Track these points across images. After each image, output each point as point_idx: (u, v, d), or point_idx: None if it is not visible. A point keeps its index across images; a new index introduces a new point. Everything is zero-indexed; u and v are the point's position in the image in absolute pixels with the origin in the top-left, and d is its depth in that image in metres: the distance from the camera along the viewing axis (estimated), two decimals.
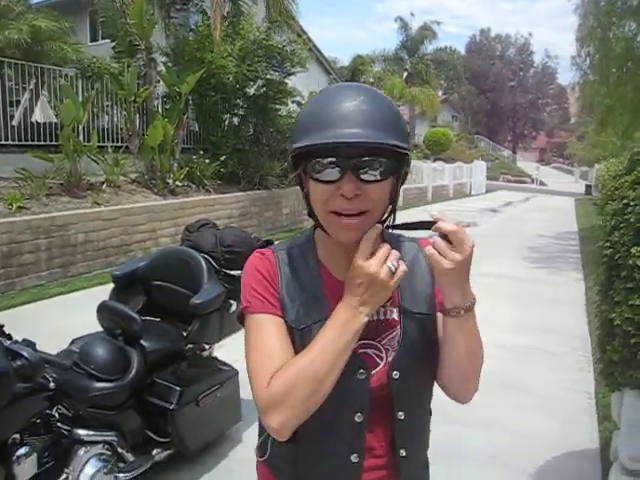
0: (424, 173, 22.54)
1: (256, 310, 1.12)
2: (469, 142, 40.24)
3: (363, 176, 1.02)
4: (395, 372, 1.12)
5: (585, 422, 3.86)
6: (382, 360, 1.12)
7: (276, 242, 1.26)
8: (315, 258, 1.18)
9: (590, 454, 3.44)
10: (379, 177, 1.03)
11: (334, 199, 1.04)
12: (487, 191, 29.63)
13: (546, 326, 6.03)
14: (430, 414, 1.25)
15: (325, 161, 1.02)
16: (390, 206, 1.12)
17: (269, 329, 1.11)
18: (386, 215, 1.12)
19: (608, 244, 2.31)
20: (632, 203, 2.19)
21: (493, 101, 56.26)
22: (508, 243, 11.91)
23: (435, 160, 26.64)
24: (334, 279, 1.14)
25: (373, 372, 1.11)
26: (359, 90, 1.06)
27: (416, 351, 1.13)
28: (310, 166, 1.05)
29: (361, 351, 1.11)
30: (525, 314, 6.47)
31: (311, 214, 1.12)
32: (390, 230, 1.14)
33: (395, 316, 1.15)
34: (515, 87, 57.48)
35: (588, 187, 29.08)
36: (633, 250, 2.11)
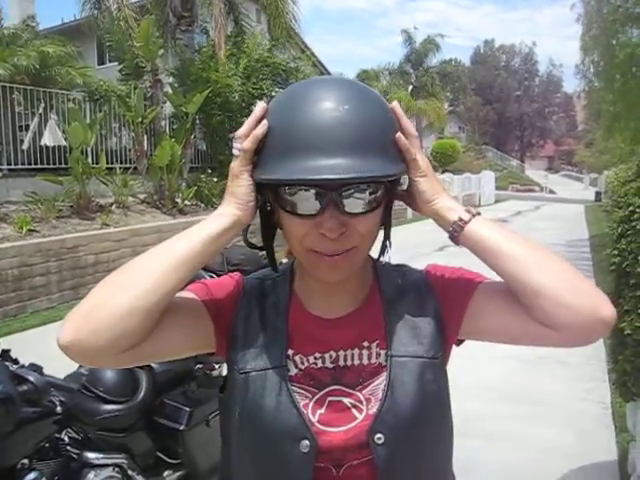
0: None
1: (191, 289, 0.97)
2: (477, 153, 40.19)
3: (348, 208, 0.83)
4: (379, 436, 0.88)
5: (601, 433, 3.79)
6: (361, 413, 0.90)
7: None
8: (288, 290, 0.99)
9: (607, 466, 3.38)
10: (368, 208, 0.85)
11: (312, 236, 0.86)
12: (496, 201, 29.52)
13: None
14: None
15: (299, 191, 0.84)
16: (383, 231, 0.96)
17: (184, 297, 0.94)
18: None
19: (616, 252, 2.29)
20: (638, 210, 2.17)
21: (499, 111, 56.29)
22: None
23: (443, 172, 26.62)
24: (305, 313, 0.97)
25: (346, 427, 0.90)
26: (342, 92, 0.85)
27: (409, 406, 0.90)
28: (280, 194, 0.87)
29: (334, 398, 0.91)
30: None
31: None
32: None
33: (382, 361, 0.93)
34: (521, 96, 57.50)
35: (598, 194, 28.91)
36: None
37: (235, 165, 0.89)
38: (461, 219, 0.91)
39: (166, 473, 2.77)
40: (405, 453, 0.90)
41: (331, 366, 0.93)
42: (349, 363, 0.93)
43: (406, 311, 0.96)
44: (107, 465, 2.43)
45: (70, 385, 2.20)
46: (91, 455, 2.37)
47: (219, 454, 3.31)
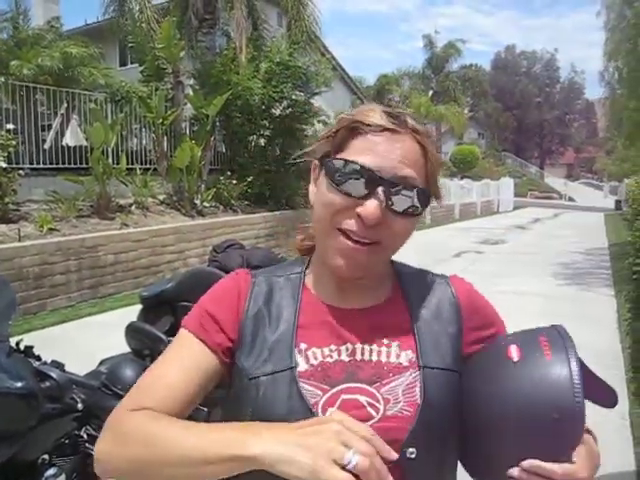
0: (451, 191, 22.43)
1: (192, 329, 0.93)
2: (496, 159, 39.98)
3: (394, 205, 0.85)
4: (411, 450, 0.84)
5: (619, 444, 3.75)
6: (378, 413, 0.85)
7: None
8: (300, 284, 0.96)
9: (625, 477, 3.34)
10: (410, 210, 0.87)
11: (348, 214, 0.85)
12: (515, 208, 29.36)
13: (575, 344, 5.90)
14: None
15: (352, 168, 0.85)
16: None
17: (189, 354, 0.91)
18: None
19: (639, 261, 2.27)
20: None
21: (519, 118, 55.89)
22: (536, 260, 11.75)
23: (462, 178, 26.51)
24: (319, 303, 0.94)
25: None
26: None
27: (441, 419, 0.87)
28: (331, 165, 0.87)
29: (348, 396, 0.86)
30: None
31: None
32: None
33: (404, 361, 0.89)
34: (541, 103, 56.98)
35: (618, 202, 28.60)
36: None
37: (337, 460, 0.69)
38: None
39: None
40: (434, 468, 0.88)
41: (347, 359, 0.89)
42: (367, 358, 0.89)
43: (429, 317, 0.94)
44: None
45: (91, 382, 2.22)
46: None
47: None
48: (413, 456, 0.84)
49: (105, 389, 2.43)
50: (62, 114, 10.02)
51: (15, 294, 1.94)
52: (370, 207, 0.83)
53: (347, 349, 0.90)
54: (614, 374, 5.01)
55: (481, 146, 40.38)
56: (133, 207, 9.26)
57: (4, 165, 7.35)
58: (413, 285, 0.98)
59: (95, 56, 11.64)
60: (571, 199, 38.46)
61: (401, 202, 0.86)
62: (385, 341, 0.91)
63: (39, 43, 10.87)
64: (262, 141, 12.67)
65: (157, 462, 0.80)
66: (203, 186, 10.86)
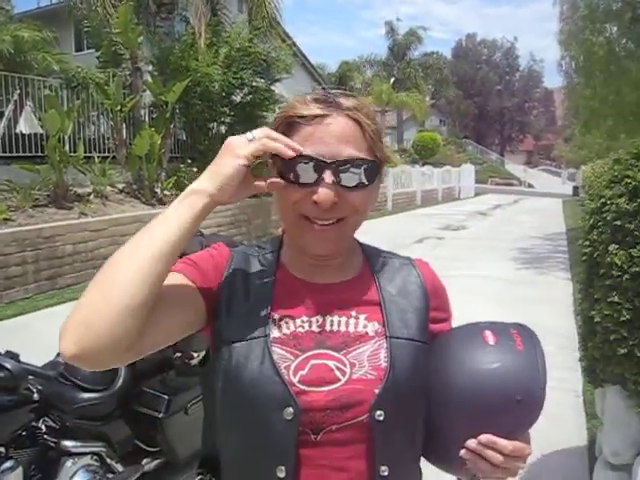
0: (413, 177, 22.63)
1: (179, 269, 0.98)
2: (457, 146, 40.45)
3: (344, 182, 0.91)
4: (379, 412, 0.91)
5: (573, 419, 3.90)
6: (344, 376, 0.92)
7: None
8: (275, 260, 1.03)
9: (577, 451, 3.48)
10: (364, 181, 0.92)
11: (306, 202, 0.91)
12: (476, 194, 29.78)
13: (532, 326, 6.00)
14: (421, 474, 1.05)
15: (297, 161, 0.90)
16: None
17: (175, 283, 0.95)
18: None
19: (587, 243, 2.35)
20: (609, 202, 2.23)
21: (480, 105, 56.67)
22: (497, 245, 11.98)
23: (424, 164, 26.76)
24: (293, 278, 1.01)
25: (328, 388, 0.91)
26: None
27: (407, 384, 0.94)
28: (280, 163, 0.92)
29: (317, 361, 0.92)
30: (512, 314, 6.44)
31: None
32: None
33: (370, 331, 0.96)
34: (502, 91, 57.85)
35: (575, 188, 29.31)
36: (611, 248, 2.14)
37: (241, 147, 0.89)
38: None
39: (145, 461, 2.77)
40: (400, 432, 0.94)
41: (317, 330, 0.96)
42: (335, 328, 0.96)
43: (395, 292, 1.01)
44: (85, 453, 2.43)
45: (48, 373, 2.20)
46: (69, 443, 2.37)
47: (198, 441, 3.32)
48: (381, 418, 0.91)
49: (63, 379, 2.41)
50: (15, 101, 9.74)
51: None
52: (322, 193, 0.89)
53: (317, 320, 0.97)
54: (569, 353, 5.18)
55: (443, 133, 40.79)
56: (92, 196, 9.08)
57: None
58: (380, 264, 1.06)
59: (49, 40, 11.31)
60: (530, 185, 39.23)
61: (350, 179, 0.91)
62: (353, 313, 0.98)
63: None
64: (223, 128, 12.55)
65: (110, 267, 0.87)
66: (163, 174, 10.71)
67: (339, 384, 0.91)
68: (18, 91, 9.73)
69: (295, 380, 0.91)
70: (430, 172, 25.11)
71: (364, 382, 0.92)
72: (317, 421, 0.90)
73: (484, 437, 0.88)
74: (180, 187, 10.73)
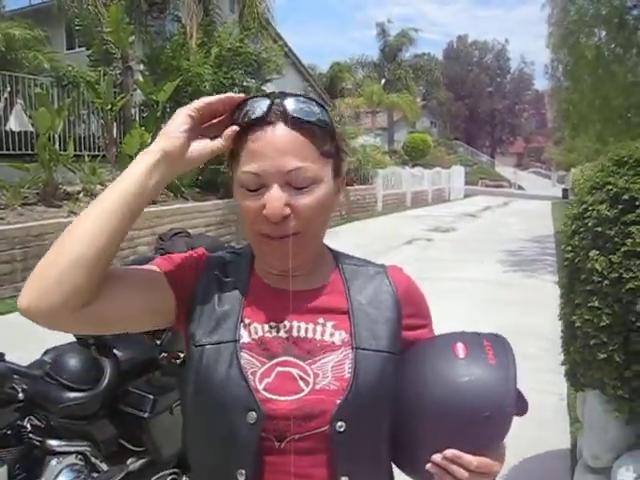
0: (403, 179, 22.70)
1: (155, 262, 1.02)
2: (448, 148, 40.59)
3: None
4: (340, 423, 0.91)
5: (557, 423, 3.94)
6: (308, 386, 0.93)
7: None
8: (249, 267, 1.05)
9: (560, 454, 3.52)
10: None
11: (260, 219, 0.92)
12: (466, 196, 29.90)
13: (518, 329, 6.10)
14: None
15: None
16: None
17: (149, 269, 1.00)
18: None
19: (569, 248, 2.38)
20: (590, 208, 2.27)
21: (471, 107, 56.90)
22: (485, 247, 12.05)
23: (414, 166, 26.84)
24: (264, 285, 1.02)
25: (291, 398, 0.92)
26: None
27: (371, 396, 0.93)
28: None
29: (282, 369, 0.94)
30: (497, 317, 6.53)
31: None
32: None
33: (337, 341, 0.97)
34: (493, 93, 58.07)
35: (565, 191, 29.46)
36: (591, 254, 2.18)
37: (180, 109, 0.95)
38: None
39: (130, 460, 2.78)
40: (362, 443, 0.94)
41: (285, 336, 0.97)
42: (302, 335, 0.97)
43: (365, 302, 1.01)
44: (70, 452, 2.44)
45: (33, 372, 2.21)
46: (54, 443, 2.38)
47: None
48: (342, 429, 0.91)
49: (49, 379, 2.42)
50: (5, 98, 9.70)
51: None
52: (270, 208, 0.90)
53: (285, 326, 0.98)
54: (553, 356, 5.22)
55: (433, 134, 40.90)
56: (81, 195, 9.05)
57: None
58: (352, 273, 1.05)
59: (40, 39, 11.29)
60: (520, 187, 39.43)
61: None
62: (321, 321, 0.98)
63: None
64: None
65: (71, 228, 0.90)
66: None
67: (302, 394, 0.92)
68: (8, 89, 9.69)
69: (260, 387, 0.93)
70: (420, 173, 25.19)
71: (327, 392, 0.93)
72: (281, 429, 0.91)
73: (449, 452, 0.88)
74: (169, 186, 10.71)
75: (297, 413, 0.91)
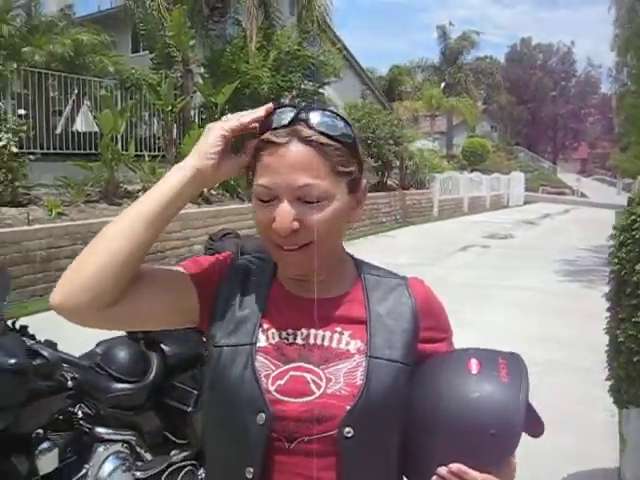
0: (460, 184, 22.38)
1: (182, 265, 1.07)
2: (508, 153, 39.70)
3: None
4: (348, 429, 0.93)
5: (605, 440, 3.80)
6: (319, 389, 0.95)
7: None
8: (271, 273, 1.07)
9: (607, 473, 3.40)
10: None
11: (271, 230, 0.95)
12: (525, 203, 29.20)
13: (571, 340, 5.95)
14: None
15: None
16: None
17: (176, 271, 1.05)
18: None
19: (616, 260, 2.33)
20: (639, 219, 2.21)
21: (533, 111, 55.46)
22: (543, 256, 11.75)
23: (472, 171, 26.41)
24: (285, 292, 1.05)
25: (301, 400, 0.95)
26: None
27: (381, 404, 0.95)
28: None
29: (295, 373, 0.97)
30: (550, 327, 6.39)
31: None
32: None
33: (352, 349, 0.99)
34: (556, 97, 56.50)
35: (631, 200, 28.33)
36: (638, 267, 2.12)
37: (213, 125, 0.99)
38: None
39: (173, 452, 2.88)
40: (370, 450, 0.96)
41: (301, 342, 1.00)
42: (319, 342, 0.99)
43: (384, 313, 1.03)
44: (117, 441, 2.55)
45: (82, 362, 2.32)
46: (102, 430, 2.49)
47: None
48: (350, 435, 0.93)
49: (99, 369, 2.54)
50: (73, 100, 10.13)
51: (10, 278, 2.04)
52: (279, 222, 0.93)
53: (302, 333, 1.01)
54: (605, 371, 5.06)
55: (494, 139, 40.10)
56: (140, 193, 9.35)
57: (15, 150, 7.47)
58: (374, 284, 1.07)
59: (106, 43, 11.73)
60: (584, 195, 38.17)
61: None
62: (338, 329, 1.01)
63: (51, 30, 10.96)
64: None
65: (102, 236, 0.96)
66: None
67: (313, 397, 0.95)
68: (76, 91, 10.12)
69: (272, 389, 0.96)
70: (478, 179, 24.78)
71: (337, 397, 0.94)
72: (290, 430, 0.94)
73: (455, 466, 0.90)
74: (226, 187, 10.94)
75: (306, 415, 0.94)
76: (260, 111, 0.99)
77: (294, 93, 12.24)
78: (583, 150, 62.54)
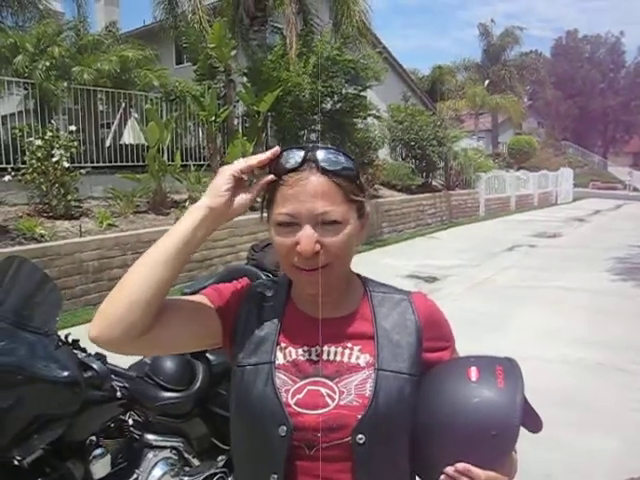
0: (506, 182, 22.03)
1: (204, 293, 1.17)
2: (556, 149, 38.82)
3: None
4: (360, 436, 1.03)
5: None
6: (333, 402, 1.06)
7: None
8: (285, 295, 1.18)
9: None
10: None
11: (293, 253, 1.05)
12: (575, 199, 28.52)
13: (622, 342, 5.79)
14: None
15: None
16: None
17: (198, 301, 1.14)
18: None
19: None
20: None
21: (581, 105, 54.02)
22: (593, 254, 11.46)
23: (519, 169, 25.94)
24: (299, 312, 1.15)
25: (318, 412, 1.05)
26: None
27: (389, 412, 1.05)
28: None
29: (312, 387, 1.07)
30: (602, 329, 6.23)
31: None
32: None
33: (362, 363, 1.09)
34: (605, 89, 54.92)
35: None
36: None
37: (223, 167, 1.10)
38: None
39: (220, 458, 2.96)
40: (381, 454, 1.06)
41: (316, 359, 1.10)
42: (331, 358, 1.09)
43: (390, 328, 1.13)
44: (165, 447, 2.65)
45: (130, 373, 2.42)
46: (151, 437, 2.60)
47: None
48: (362, 441, 1.03)
49: (148, 379, 2.64)
50: (120, 114, 10.45)
51: (61, 295, 2.15)
52: (304, 244, 1.02)
53: (316, 350, 1.11)
54: None
55: (541, 135, 39.32)
56: (187, 203, 9.55)
57: (67, 165, 7.76)
58: (379, 301, 1.17)
59: (150, 58, 12.04)
60: (636, 189, 37.00)
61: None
62: (349, 345, 1.11)
63: (98, 48, 11.32)
64: (313, 136, 12.81)
65: (130, 274, 1.06)
66: (255, 181, 11.07)
67: (328, 408, 1.05)
68: (123, 105, 10.43)
69: (292, 402, 1.06)
70: (525, 177, 24.33)
71: (349, 408, 1.05)
72: (309, 439, 1.04)
73: (460, 465, 1.00)
74: None
75: (323, 425, 1.04)
76: (266, 154, 1.11)
77: (335, 98, 12.28)
78: (635, 143, 60.38)
